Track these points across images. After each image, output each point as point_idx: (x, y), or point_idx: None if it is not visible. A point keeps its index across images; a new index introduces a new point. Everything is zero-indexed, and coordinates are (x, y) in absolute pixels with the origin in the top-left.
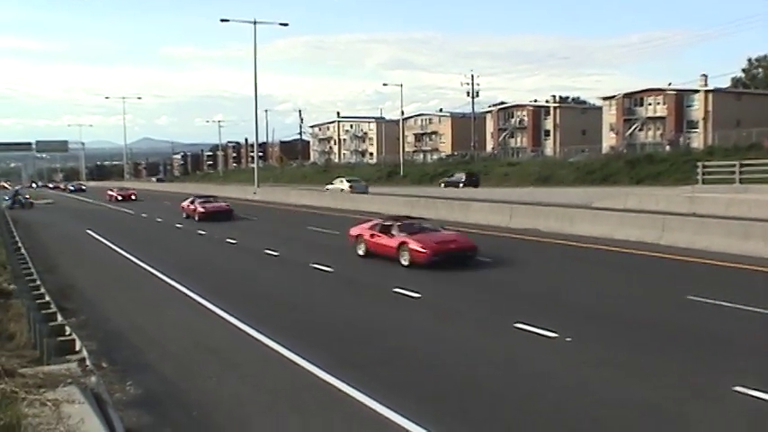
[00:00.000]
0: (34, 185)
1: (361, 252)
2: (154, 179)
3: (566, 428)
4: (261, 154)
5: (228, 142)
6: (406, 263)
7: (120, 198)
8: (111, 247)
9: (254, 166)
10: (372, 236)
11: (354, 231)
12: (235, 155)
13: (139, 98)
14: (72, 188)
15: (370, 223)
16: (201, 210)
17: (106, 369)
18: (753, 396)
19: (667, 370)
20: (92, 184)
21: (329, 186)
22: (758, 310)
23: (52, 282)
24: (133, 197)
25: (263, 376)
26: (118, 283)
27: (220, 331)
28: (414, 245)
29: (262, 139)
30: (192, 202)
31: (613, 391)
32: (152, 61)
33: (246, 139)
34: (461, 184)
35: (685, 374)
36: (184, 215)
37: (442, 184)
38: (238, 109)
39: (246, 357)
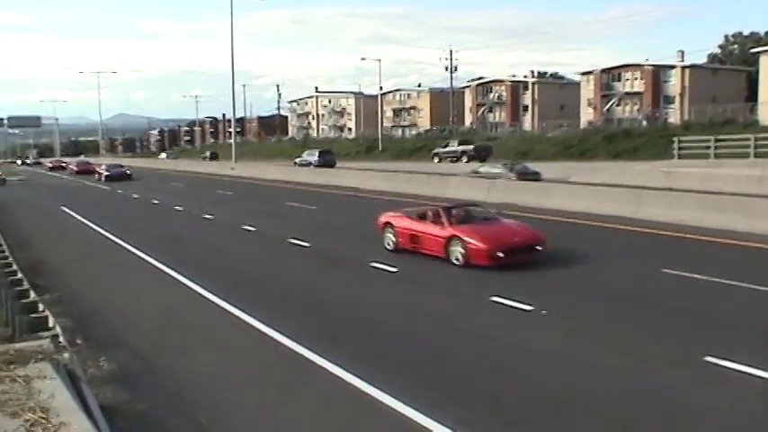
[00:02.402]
0: (19, 163)
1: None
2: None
3: (541, 396)
4: (239, 129)
5: (206, 117)
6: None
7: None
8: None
9: (232, 141)
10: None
11: None
12: (212, 130)
13: (114, 72)
14: (108, 173)
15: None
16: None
17: (80, 346)
18: (723, 366)
19: (641, 341)
20: (136, 163)
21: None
22: (730, 282)
23: (25, 258)
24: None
25: (238, 350)
26: (92, 259)
27: (194, 304)
28: None
29: (239, 114)
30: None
31: (588, 361)
32: (127, 35)
33: (224, 115)
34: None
35: (659, 345)
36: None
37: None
38: (216, 83)
39: (222, 332)
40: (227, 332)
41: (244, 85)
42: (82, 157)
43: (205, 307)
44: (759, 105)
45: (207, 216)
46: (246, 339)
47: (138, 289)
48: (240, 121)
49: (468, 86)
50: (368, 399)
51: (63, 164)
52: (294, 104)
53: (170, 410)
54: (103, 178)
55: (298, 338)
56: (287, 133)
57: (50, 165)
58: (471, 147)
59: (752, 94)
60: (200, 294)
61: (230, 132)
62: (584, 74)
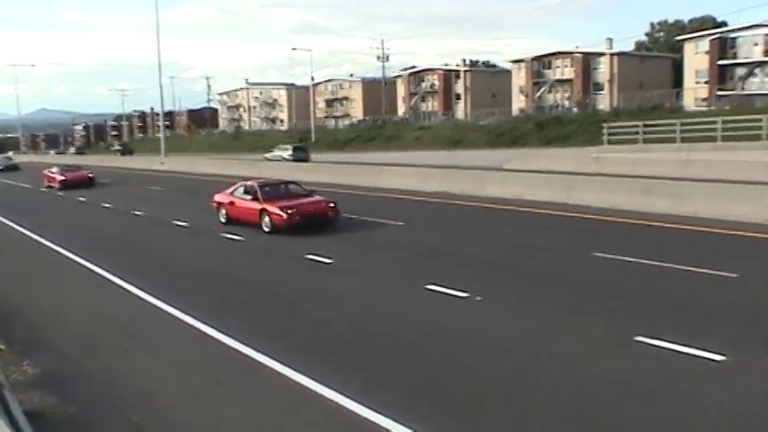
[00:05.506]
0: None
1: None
2: (52, 152)
3: (484, 379)
4: (168, 123)
5: (134, 111)
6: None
7: None
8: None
9: (161, 135)
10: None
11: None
12: (141, 124)
13: (33, 66)
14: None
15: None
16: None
17: (3, 351)
18: (653, 345)
19: (573, 323)
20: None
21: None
22: (657, 263)
23: None
24: None
25: (169, 346)
26: (12, 260)
27: (122, 302)
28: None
29: (168, 107)
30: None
31: (521, 345)
32: (46, 26)
33: (152, 108)
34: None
35: (590, 327)
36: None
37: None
38: (144, 77)
39: (151, 328)
40: (156, 327)
41: (172, 78)
42: None
43: (134, 303)
44: (684, 91)
45: (137, 213)
46: (176, 333)
47: (65, 288)
48: (169, 114)
49: (400, 76)
50: (309, 393)
51: (90, 175)
52: (225, 97)
53: (101, 411)
54: None
55: (238, 335)
56: (218, 126)
57: (62, 177)
58: (122, 147)
59: (677, 81)
60: (128, 291)
61: (159, 126)
62: (515, 62)
